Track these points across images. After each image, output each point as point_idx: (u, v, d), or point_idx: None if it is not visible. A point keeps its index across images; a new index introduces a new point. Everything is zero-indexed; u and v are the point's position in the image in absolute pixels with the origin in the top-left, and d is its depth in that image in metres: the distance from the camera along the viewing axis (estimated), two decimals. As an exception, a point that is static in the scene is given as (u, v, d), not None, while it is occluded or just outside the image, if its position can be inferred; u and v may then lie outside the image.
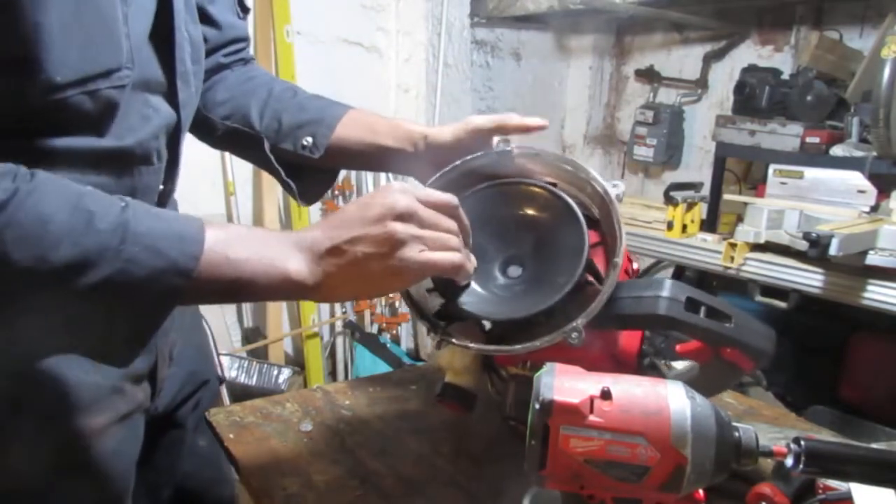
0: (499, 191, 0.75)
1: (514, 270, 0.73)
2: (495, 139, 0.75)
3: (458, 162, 0.75)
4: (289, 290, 0.58)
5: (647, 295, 0.65)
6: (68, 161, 0.56)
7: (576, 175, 0.72)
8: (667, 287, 0.65)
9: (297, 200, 0.86)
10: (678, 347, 0.75)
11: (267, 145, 0.82)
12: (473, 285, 0.71)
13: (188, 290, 0.53)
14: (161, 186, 0.69)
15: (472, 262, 0.64)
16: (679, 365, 0.78)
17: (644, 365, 0.75)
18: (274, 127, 0.82)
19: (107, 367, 0.63)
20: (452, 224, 0.61)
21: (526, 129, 0.77)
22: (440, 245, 0.59)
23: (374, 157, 0.82)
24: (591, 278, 0.69)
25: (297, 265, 0.57)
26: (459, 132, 0.78)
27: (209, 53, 0.82)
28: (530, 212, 0.74)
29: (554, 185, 0.74)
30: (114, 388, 0.66)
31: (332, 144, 0.81)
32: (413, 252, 0.57)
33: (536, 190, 0.74)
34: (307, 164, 0.82)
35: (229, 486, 0.92)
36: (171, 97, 0.66)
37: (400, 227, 0.57)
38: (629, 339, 0.74)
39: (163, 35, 0.63)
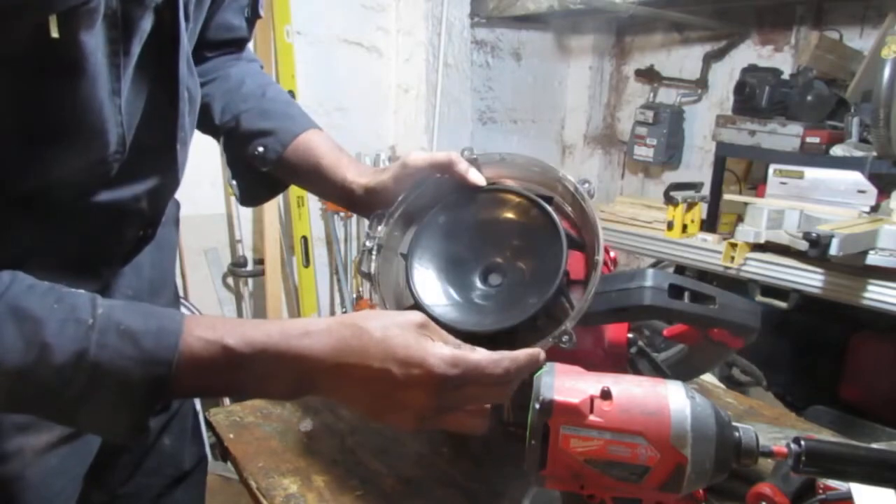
0: (476, 198, 0.74)
1: (495, 279, 0.72)
2: (461, 148, 0.74)
3: (407, 195, 0.75)
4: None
5: (631, 287, 0.66)
6: (47, 213, 0.56)
7: (545, 175, 0.72)
8: (649, 277, 0.67)
9: (238, 199, 0.86)
10: (666, 332, 0.76)
11: (221, 141, 0.81)
12: (452, 293, 0.71)
13: (153, 409, 0.50)
14: (140, 233, 0.67)
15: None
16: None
17: (633, 353, 0.76)
18: (231, 125, 0.80)
19: None
20: (489, 393, 0.55)
21: (462, 179, 0.73)
22: (472, 407, 0.55)
23: (317, 187, 0.82)
24: (572, 276, 0.69)
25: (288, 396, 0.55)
26: (398, 173, 0.76)
27: (200, 47, 0.80)
28: (509, 218, 0.73)
29: (547, 199, 0.73)
30: None
31: (282, 159, 0.80)
32: (433, 418, 0.53)
33: (513, 196, 0.73)
34: (255, 168, 0.81)
35: (194, 485, 0.89)
36: (167, 157, 0.64)
37: (426, 399, 0.52)
38: (617, 330, 0.75)
39: (162, 101, 0.60)
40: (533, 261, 0.70)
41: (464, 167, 0.72)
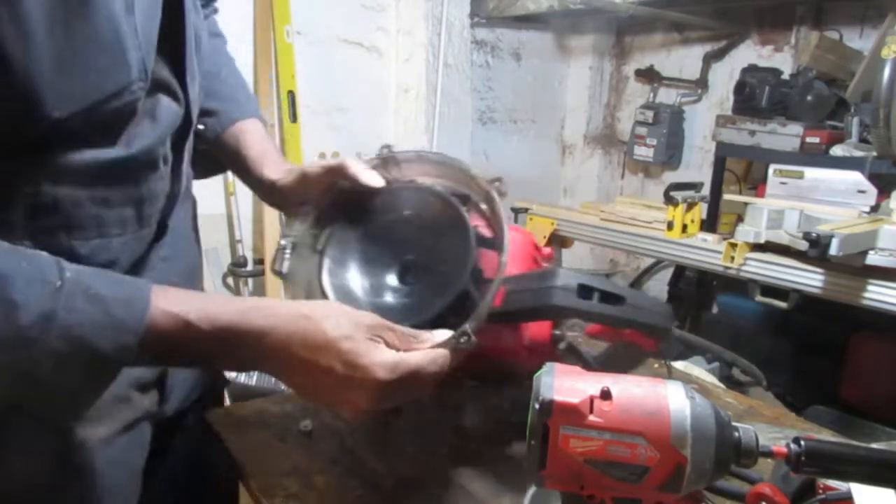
0: (393, 197, 0.73)
1: (409, 278, 0.72)
2: (380, 146, 0.75)
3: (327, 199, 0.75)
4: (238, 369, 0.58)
5: (541, 287, 0.67)
6: (74, 175, 0.55)
7: (461, 173, 0.72)
8: (559, 277, 0.67)
9: None
10: (587, 329, 0.77)
11: None
12: (364, 292, 0.71)
13: (116, 376, 0.50)
14: (167, 189, 0.67)
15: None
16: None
17: (561, 349, 0.76)
18: None
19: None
20: (422, 389, 0.59)
21: (356, 181, 0.74)
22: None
23: (241, 176, 0.86)
24: (488, 275, 0.68)
25: (247, 366, 0.57)
26: (298, 180, 0.78)
27: None
28: (423, 216, 0.73)
29: (464, 197, 0.73)
30: (119, 397, 0.66)
31: (218, 140, 0.84)
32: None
33: (428, 195, 0.73)
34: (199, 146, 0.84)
35: (229, 486, 0.92)
36: (179, 95, 0.64)
37: (366, 400, 0.55)
38: (539, 327, 0.75)
39: (170, 33, 0.61)
40: (446, 259, 0.70)
41: (356, 169, 0.73)
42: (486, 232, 0.71)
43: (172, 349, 0.52)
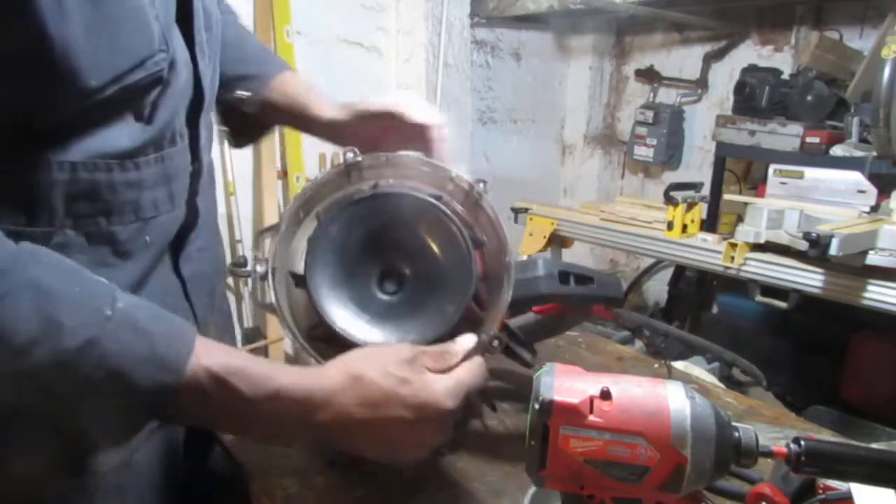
0: (367, 205, 0.67)
1: (394, 287, 0.69)
2: (346, 148, 0.71)
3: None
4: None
5: (527, 277, 0.71)
6: (108, 159, 0.56)
7: (436, 174, 0.69)
8: (540, 266, 0.72)
9: (230, 143, 0.91)
10: (534, 308, 0.82)
11: None
12: (356, 309, 0.67)
13: (152, 416, 0.50)
14: (188, 166, 0.67)
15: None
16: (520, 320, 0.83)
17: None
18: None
19: None
20: (472, 404, 0.60)
21: (411, 119, 0.75)
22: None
23: (297, 124, 0.88)
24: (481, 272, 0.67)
25: (286, 434, 0.56)
26: (352, 117, 0.81)
27: None
28: (402, 223, 0.68)
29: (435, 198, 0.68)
30: None
31: (265, 100, 0.85)
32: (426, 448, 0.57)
33: (409, 199, 0.67)
34: (240, 111, 0.86)
35: (241, 485, 0.91)
36: (190, 68, 0.65)
37: (431, 436, 0.56)
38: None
39: (181, 9, 0.62)
40: (438, 264, 0.67)
41: (409, 109, 0.76)
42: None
43: (211, 403, 0.51)
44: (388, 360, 0.56)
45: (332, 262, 0.66)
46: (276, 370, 0.53)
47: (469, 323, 0.65)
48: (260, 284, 0.67)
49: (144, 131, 0.59)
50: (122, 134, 0.57)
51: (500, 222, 0.67)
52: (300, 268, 0.66)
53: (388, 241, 0.68)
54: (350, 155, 0.68)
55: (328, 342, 0.65)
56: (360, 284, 0.68)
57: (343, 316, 0.66)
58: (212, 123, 0.74)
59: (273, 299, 0.66)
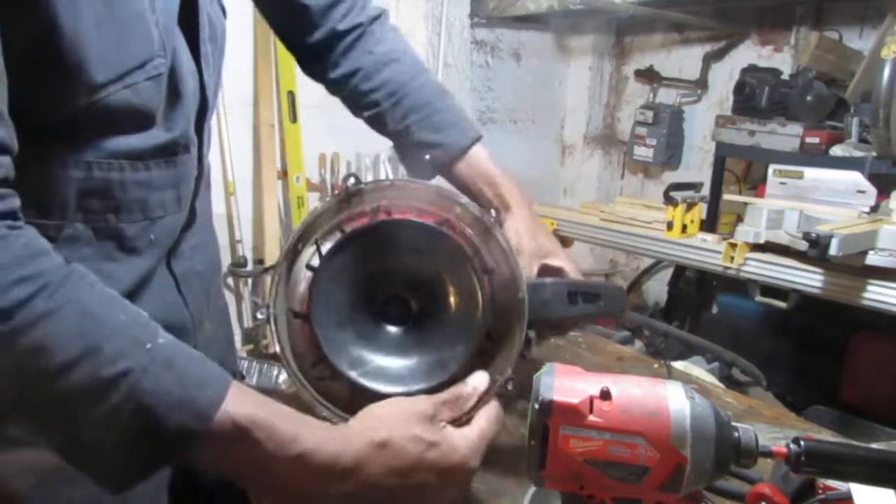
0: (371, 236, 0.63)
1: (400, 319, 0.66)
2: (347, 174, 0.68)
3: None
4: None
5: (536, 301, 0.66)
6: (120, 159, 0.57)
7: (442, 200, 0.65)
8: (549, 289, 0.70)
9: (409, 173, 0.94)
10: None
11: (393, 142, 0.91)
12: (366, 350, 0.64)
13: (174, 458, 0.49)
14: (195, 172, 0.69)
15: None
16: None
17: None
18: (403, 133, 0.88)
19: None
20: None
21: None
22: None
23: (475, 198, 0.87)
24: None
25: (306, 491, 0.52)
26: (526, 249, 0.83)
27: (314, 20, 0.86)
28: (411, 251, 0.64)
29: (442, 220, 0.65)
30: None
31: (448, 170, 0.88)
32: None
33: (412, 226, 0.63)
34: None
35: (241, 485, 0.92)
36: (197, 78, 0.66)
37: (462, 490, 0.57)
38: None
39: (186, 18, 0.63)
40: (438, 293, 0.65)
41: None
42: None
43: (232, 455, 0.49)
44: (412, 421, 0.55)
45: (335, 296, 0.63)
46: (304, 430, 0.51)
47: (480, 356, 0.63)
48: (269, 331, 0.65)
49: (160, 137, 0.60)
50: (138, 138, 0.58)
51: (514, 254, 0.64)
52: (301, 294, 0.63)
53: (392, 270, 0.65)
54: (351, 181, 0.64)
55: (333, 378, 0.63)
56: (365, 320, 0.65)
57: (350, 359, 0.63)
58: (211, 129, 0.74)
59: (277, 348, 0.64)
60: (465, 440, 0.56)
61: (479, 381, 0.61)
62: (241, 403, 0.49)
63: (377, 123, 0.90)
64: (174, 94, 0.62)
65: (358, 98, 0.89)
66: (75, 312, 0.46)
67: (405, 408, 0.57)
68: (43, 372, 0.45)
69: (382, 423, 0.55)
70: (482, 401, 0.60)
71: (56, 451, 0.51)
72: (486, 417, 0.59)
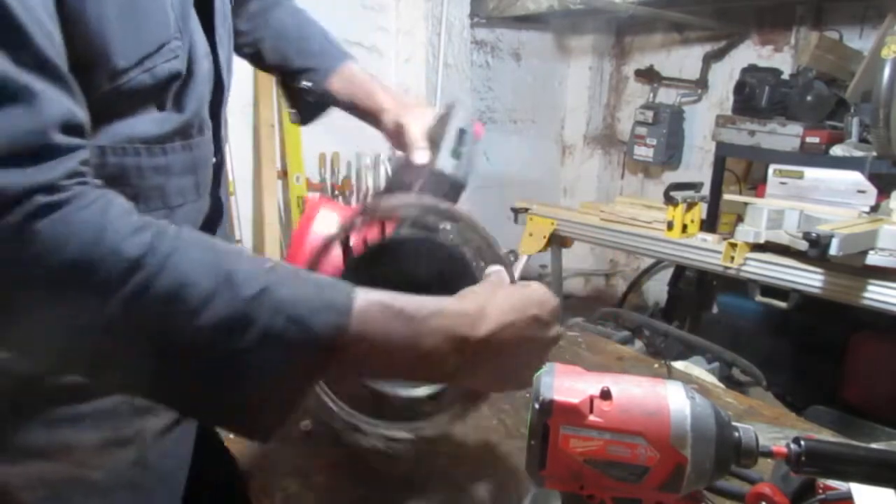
0: (393, 249, 0.66)
1: None
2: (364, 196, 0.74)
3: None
4: (430, 376, 0.58)
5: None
6: (136, 143, 0.57)
7: (470, 231, 0.67)
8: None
9: (295, 121, 0.98)
10: None
11: (275, 79, 0.97)
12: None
13: (328, 364, 0.49)
14: (213, 159, 0.68)
15: None
16: None
17: None
18: (280, 64, 0.94)
19: None
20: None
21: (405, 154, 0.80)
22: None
23: (357, 115, 0.94)
24: None
25: (446, 362, 0.53)
26: (392, 129, 0.86)
27: None
28: (426, 270, 0.67)
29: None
30: None
31: (326, 91, 0.92)
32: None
33: (430, 246, 0.66)
34: (305, 98, 0.93)
35: (241, 485, 0.92)
36: (211, 60, 0.66)
37: (555, 331, 0.58)
38: None
39: (201, 3, 0.63)
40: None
41: (410, 141, 0.80)
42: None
43: (379, 333, 0.50)
44: (492, 287, 0.59)
45: None
46: (431, 298, 0.54)
47: None
48: None
49: (173, 119, 0.60)
50: (152, 120, 0.58)
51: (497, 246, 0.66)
52: None
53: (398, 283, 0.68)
54: (370, 198, 0.69)
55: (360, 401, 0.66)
56: None
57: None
58: (227, 119, 0.75)
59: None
60: (535, 284, 0.59)
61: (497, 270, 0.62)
62: (371, 293, 0.51)
63: (255, 60, 0.95)
64: (187, 74, 0.61)
65: (237, 36, 0.92)
66: (196, 247, 0.46)
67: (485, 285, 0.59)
68: (185, 311, 0.44)
69: (479, 288, 0.58)
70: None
71: (198, 415, 0.52)
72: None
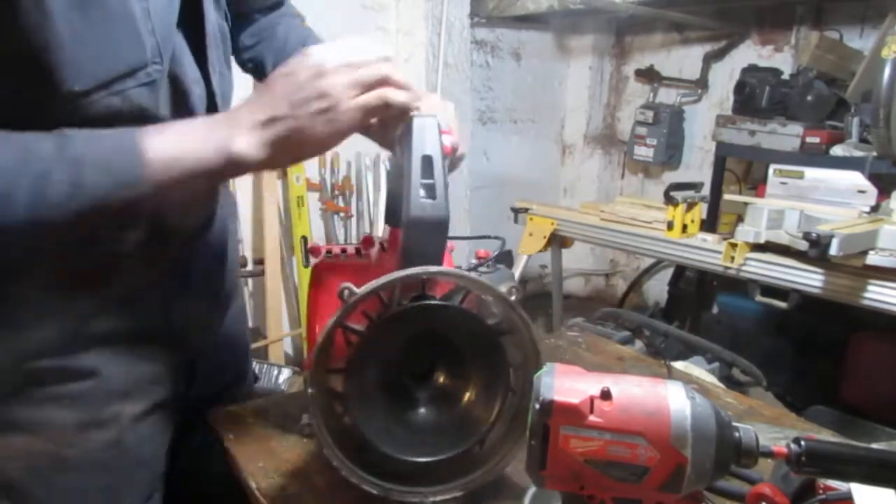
0: (409, 314, 0.64)
1: (431, 393, 0.70)
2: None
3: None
4: (236, 169, 0.59)
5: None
6: None
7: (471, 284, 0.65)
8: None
9: None
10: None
11: None
12: (399, 426, 0.67)
13: (143, 194, 0.55)
14: None
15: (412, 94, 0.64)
16: None
17: None
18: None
19: (141, 358, 0.68)
20: (380, 57, 0.62)
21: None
22: (372, 83, 0.60)
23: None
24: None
25: (240, 146, 0.57)
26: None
27: (250, 11, 0.90)
28: (441, 331, 0.67)
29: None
30: (152, 376, 0.71)
31: None
32: (348, 101, 0.59)
33: (447, 309, 0.65)
34: None
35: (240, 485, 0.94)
36: (205, 86, 0.68)
37: (329, 82, 0.58)
38: None
39: (191, 24, 0.64)
40: (471, 371, 0.69)
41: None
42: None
43: (171, 152, 0.56)
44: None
45: (372, 379, 0.66)
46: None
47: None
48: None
49: None
50: None
51: (532, 331, 0.65)
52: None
53: (424, 349, 0.69)
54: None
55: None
56: (403, 397, 0.69)
57: (388, 441, 0.66)
58: None
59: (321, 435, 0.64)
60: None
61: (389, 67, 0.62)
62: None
63: (259, 74, 0.95)
64: (180, 100, 0.63)
65: (242, 51, 0.94)
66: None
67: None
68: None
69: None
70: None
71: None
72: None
